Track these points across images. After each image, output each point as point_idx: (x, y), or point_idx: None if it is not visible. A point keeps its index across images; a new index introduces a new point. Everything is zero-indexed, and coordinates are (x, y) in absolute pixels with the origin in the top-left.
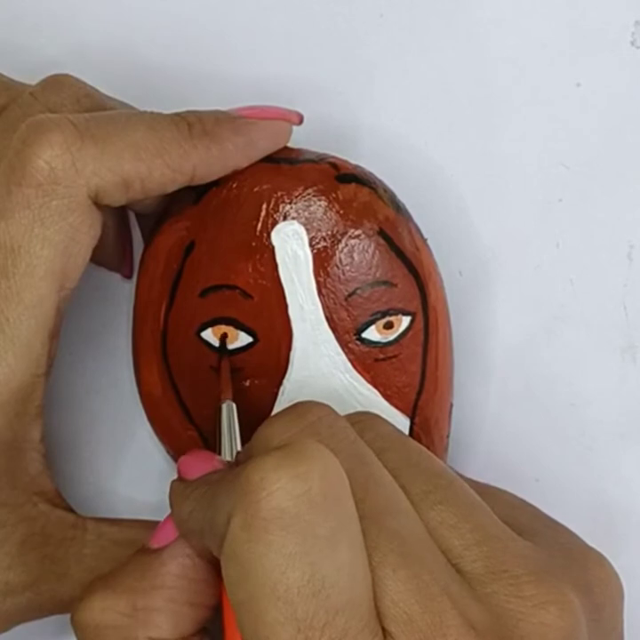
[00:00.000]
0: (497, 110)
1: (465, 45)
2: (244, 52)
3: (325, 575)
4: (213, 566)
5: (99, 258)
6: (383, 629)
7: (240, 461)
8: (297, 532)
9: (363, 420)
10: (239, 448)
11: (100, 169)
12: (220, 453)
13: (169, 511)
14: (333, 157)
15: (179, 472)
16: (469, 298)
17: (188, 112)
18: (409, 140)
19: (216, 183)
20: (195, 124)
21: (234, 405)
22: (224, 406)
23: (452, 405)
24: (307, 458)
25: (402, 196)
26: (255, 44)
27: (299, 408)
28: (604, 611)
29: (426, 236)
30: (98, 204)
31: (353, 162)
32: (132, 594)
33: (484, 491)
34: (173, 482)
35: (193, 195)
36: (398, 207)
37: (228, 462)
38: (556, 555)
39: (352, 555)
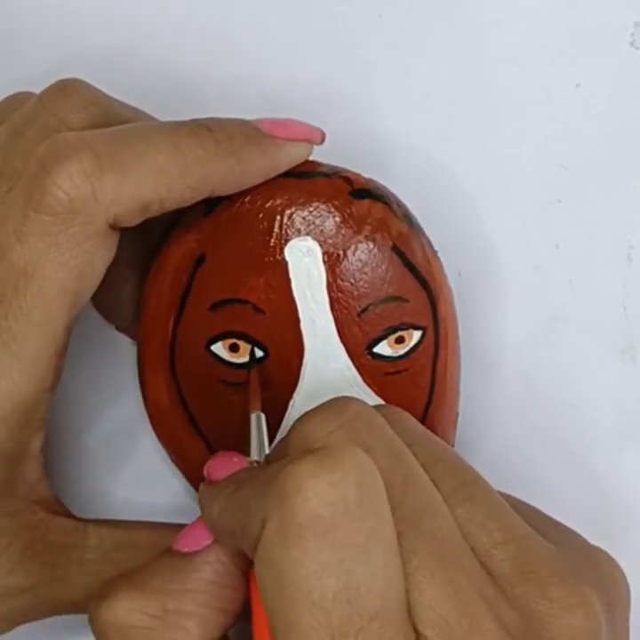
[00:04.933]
0: (497, 110)
1: (465, 45)
2: (243, 52)
3: (360, 582)
4: (243, 573)
5: (111, 317)
6: (419, 633)
7: (272, 460)
8: (332, 539)
9: (390, 414)
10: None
11: (120, 197)
12: None
13: (172, 514)
14: (346, 171)
15: (206, 474)
16: (469, 298)
17: (216, 123)
18: (409, 140)
19: (227, 196)
20: (222, 142)
21: (263, 416)
22: (253, 416)
23: (457, 414)
24: (343, 463)
25: (401, 197)
26: (255, 44)
27: (335, 404)
28: (616, 610)
29: (429, 237)
30: (114, 227)
31: (353, 162)
32: (163, 596)
33: None
34: (202, 485)
35: (203, 207)
36: (411, 222)
37: (256, 462)
38: (571, 555)
39: (387, 560)
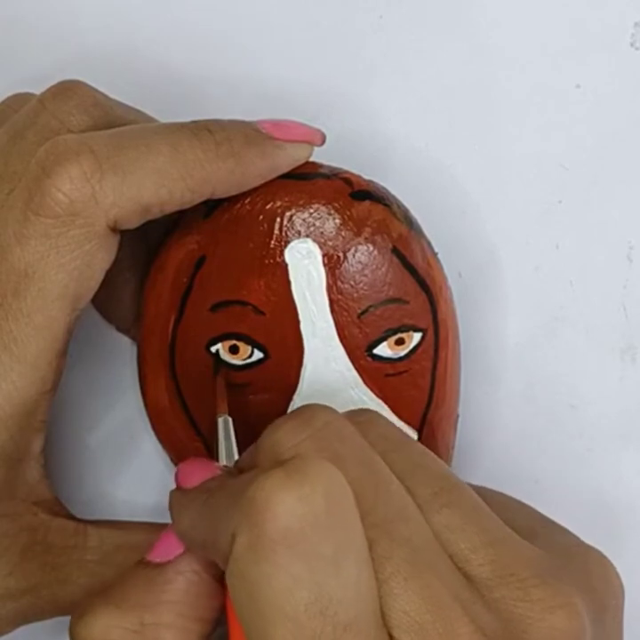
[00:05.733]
0: (497, 112)
1: (465, 46)
2: (243, 53)
3: (332, 593)
4: (217, 580)
5: (112, 318)
6: (393, 639)
7: (242, 468)
8: (302, 553)
9: (365, 421)
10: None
11: (120, 199)
12: None
13: (168, 516)
14: (346, 172)
15: (177, 481)
16: (469, 299)
17: (216, 124)
18: (409, 141)
19: (227, 198)
20: (223, 144)
21: (230, 419)
22: (220, 420)
23: (458, 416)
24: (311, 477)
25: (401, 198)
26: (255, 45)
27: (305, 413)
28: (607, 611)
29: (429, 238)
30: (115, 229)
31: (353, 163)
32: (139, 610)
33: (480, 493)
34: (172, 492)
35: (203, 209)
36: (411, 223)
37: (226, 467)
38: (557, 556)
39: (358, 570)
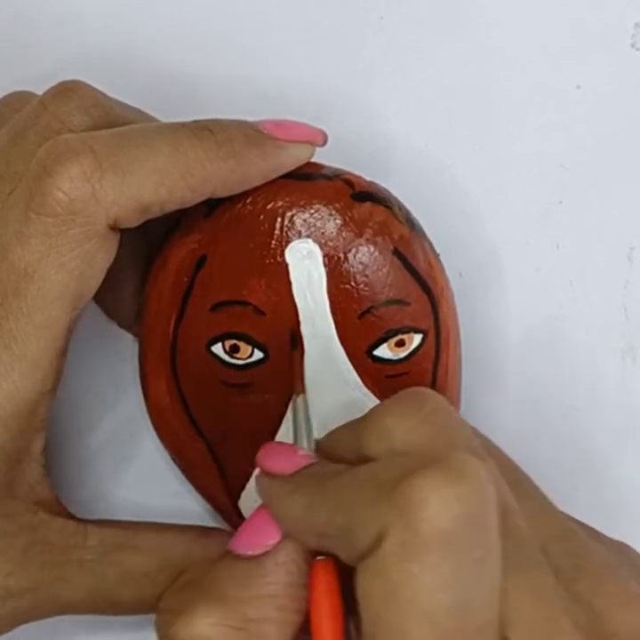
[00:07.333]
0: (497, 112)
1: (465, 46)
2: (243, 53)
3: (473, 598)
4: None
5: (113, 314)
6: (505, 638)
7: (332, 451)
8: (454, 555)
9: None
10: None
11: (120, 198)
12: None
13: (173, 515)
14: (348, 173)
15: (263, 467)
16: (469, 299)
17: (217, 124)
18: (409, 141)
19: (229, 197)
20: (224, 144)
21: (307, 398)
22: (299, 400)
23: None
24: (468, 477)
25: (401, 198)
26: (255, 46)
27: (413, 398)
28: None
29: (429, 238)
30: (115, 228)
31: (353, 164)
32: (241, 605)
33: None
34: (261, 478)
35: (204, 208)
36: (413, 225)
37: (316, 451)
38: (610, 550)
39: (495, 574)
